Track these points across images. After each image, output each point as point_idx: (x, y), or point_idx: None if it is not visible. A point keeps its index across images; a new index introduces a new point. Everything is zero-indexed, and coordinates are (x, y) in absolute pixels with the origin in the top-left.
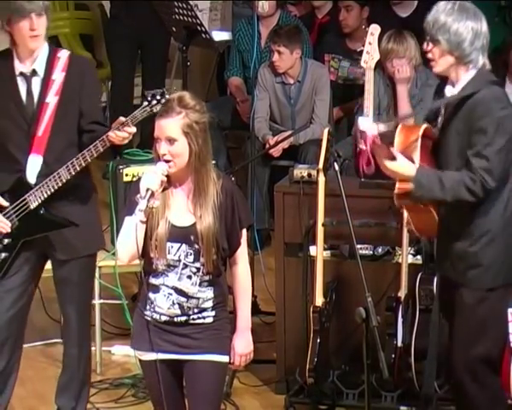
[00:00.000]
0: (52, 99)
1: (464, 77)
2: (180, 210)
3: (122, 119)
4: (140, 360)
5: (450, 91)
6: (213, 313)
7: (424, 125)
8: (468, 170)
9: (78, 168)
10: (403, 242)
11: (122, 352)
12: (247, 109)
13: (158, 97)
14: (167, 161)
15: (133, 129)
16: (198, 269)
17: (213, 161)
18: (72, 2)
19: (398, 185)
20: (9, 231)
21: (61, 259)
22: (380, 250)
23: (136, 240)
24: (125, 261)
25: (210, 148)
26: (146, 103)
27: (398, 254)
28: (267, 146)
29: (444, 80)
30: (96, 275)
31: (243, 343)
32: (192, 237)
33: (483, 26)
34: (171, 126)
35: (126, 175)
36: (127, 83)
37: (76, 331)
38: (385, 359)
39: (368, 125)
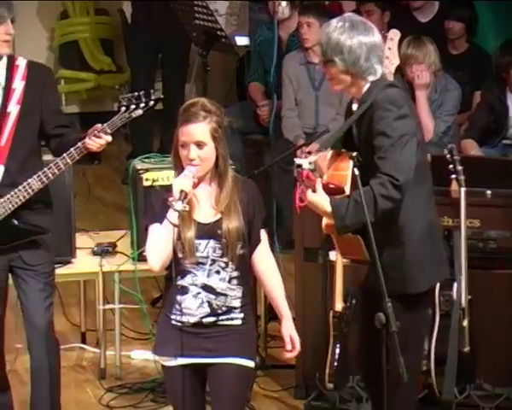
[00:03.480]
0: (14, 108)
1: (364, 88)
2: (205, 209)
3: (98, 126)
4: (163, 366)
5: (355, 107)
6: (241, 315)
7: (354, 154)
8: (376, 177)
9: (52, 177)
10: None
11: (141, 356)
12: (267, 114)
13: (134, 101)
14: (195, 165)
15: (109, 137)
16: (226, 264)
17: (233, 166)
18: (92, 7)
19: (324, 221)
20: None
21: (30, 266)
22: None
23: (171, 241)
24: (157, 269)
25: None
26: (124, 109)
27: None
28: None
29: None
30: (116, 279)
31: (293, 328)
32: (219, 232)
33: (375, 38)
34: (201, 131)
35: (146, 180)
36: (147, 87)
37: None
38: (404, 364)
39: (302, 160)
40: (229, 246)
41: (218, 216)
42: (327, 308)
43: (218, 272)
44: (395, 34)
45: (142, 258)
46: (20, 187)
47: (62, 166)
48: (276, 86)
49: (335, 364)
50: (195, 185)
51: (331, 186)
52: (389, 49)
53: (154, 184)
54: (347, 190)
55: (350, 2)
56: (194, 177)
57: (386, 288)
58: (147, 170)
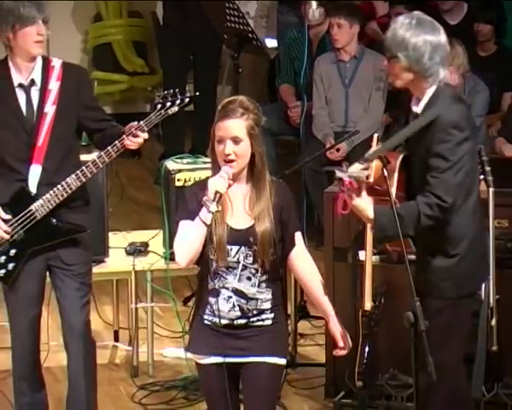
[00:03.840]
0: (50, 109)
1: (426, 93)
2: (238, 213)
3: (134, 123)
4: (197, 364)
5: (414, 108)
6: (272, 315)
7: (401, 156)
8: (424, 193)
9: (90, 175)
10: None
11: (173, 354)
12: (297, 115)
13: (170, 99)
14: (231, 161)
15: (146, 135)
16: (257, 270)
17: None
18: (125, 10)
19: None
20: (12, 242)
21: (68, 265)
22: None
23: (201, 240)
24: (184, 265)
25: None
26: (160, 106)
27: None
28: (327, 148)
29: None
30: (148, 278)
31: (340, 326)
32: (251, 239)
33: (441, 39)
34: (238, 127)
35: (178, 180)
36: (180, 89)
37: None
38: (433, 362)
39: (342, 174)
40: (261, 253)
41: (251, 223)
42: (356, 307)
43: (248, 278)
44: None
45: (173, 257)
46: (59, 186)
47: (100, 164)
48: (306, 88)
49: (365, 362)
50: (230, 186)
51: (377, 188)
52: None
53: (186, 184)
54: (394, 192)
55: (382, 4)
56: (230, 178)
57: (435, 288)
58: (179, 170)
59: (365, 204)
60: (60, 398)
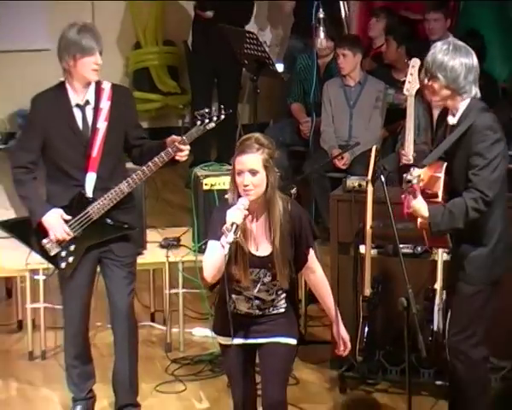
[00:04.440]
0: (102, 124)
1: (461, 106)
2: (258, 240)
3: (178, 138)
4: (220, 344)
5: (451, 120)
6: (285, 305)
7: (445, 165)
8: (468, 189)
9: (139, 182)
10: None
11: (201, 333)
12: (308, 129)
13: (208, 116)
14: (248, 192)
15: (188, 147)
16: (274, 285)
17: (278, 173)
18: (160, 39)
19: (419, 220)
20: (71, 239)
21: (117, 258)
22: (419, 249)
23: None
24: (209, 281)
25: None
26: (199, 122)
27: (434, 252)
28: (334, 157)
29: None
30: (180, 268)
31: (344, 330)
32: (270, 265)
33: (474, 61)
34: (254, 161)
35: (205, 184)
36: (206, 107)
37: (128, 320)
38: (423, 341)
39: (411, 177)
40: (279, 273)
41: (270, 250)
42: (357, 293)
43: (267, 290)
44: (416, 62)
45: (201, 250)
46: (112, 191)
47: (148, 172)
48: (314, 106)
49: (364, 340)
50: (246, 217)
51: (428, 192)
52: (411, 74)
53: (212, 188)
54: (440, 194)
55: (379, 39)
56: (246, 208)
57: (470, 276)
58: (206, 176)
59: (421, 204)
60: (104, 370)
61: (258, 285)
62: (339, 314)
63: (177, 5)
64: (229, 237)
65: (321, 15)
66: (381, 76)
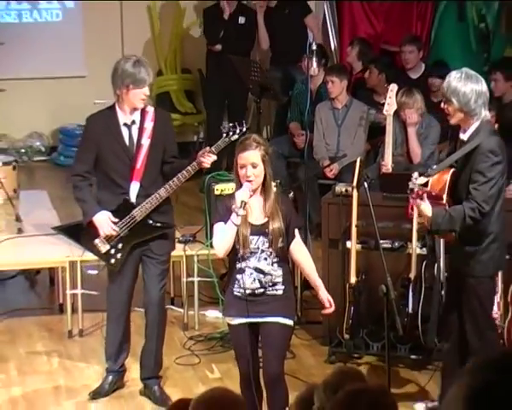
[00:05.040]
0: (145, 141)
1: (472, 126)
2: (256, 214)
3: (207, 148)
4: (229, 324)
5: (462, 136)
6: (283, 287)
7: (452, 170)
8: (467, 200)
9: (175, 187)
10: (413, 238)
11: (213, 315)
12: (302, 143)
13: (232, 130)
14: (251, 181)
15: (215, 156)
16: (271, 253)
17: (277, 180)
18: (179, 67)
19: (417, 219)
20: (119, 238)
21: (154, 255)
22: (396, 244)
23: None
24: (221, 255)
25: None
26: (225, 135)
27: (409, 247)
28: (324, 167)
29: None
30: (195, 260)
31: (326, 293)
32: (266, 230)
33: (483, 87)
34: (254, 156)
35: (216, 190)
36: (218, 124)
37: (158, 307)
38: (400, 321)
39: (414, 185)
40: (273, 240)
41: (266, 219)
42: (344, 282)
43: (265, 259)
44: (394, 87)
45: (213, 245)
46: (152, 196)
47: (182, 178)
48: (308, 124)
49: (350, 321)
50: (251, 196)
51: (433, 194)
52: (390, 97)
53: (222, 193)
54: (445, 197)
55: (358, 64)
56: (250, 190)
57: (473, 268)
58: (217, 183)
59: (426, 206)
60: (135, 346)
61: (258, 254)
62: (321, 282)
63: (193, 39)
64: (240, 211)
65: (314, 47)
66: (363, 99)
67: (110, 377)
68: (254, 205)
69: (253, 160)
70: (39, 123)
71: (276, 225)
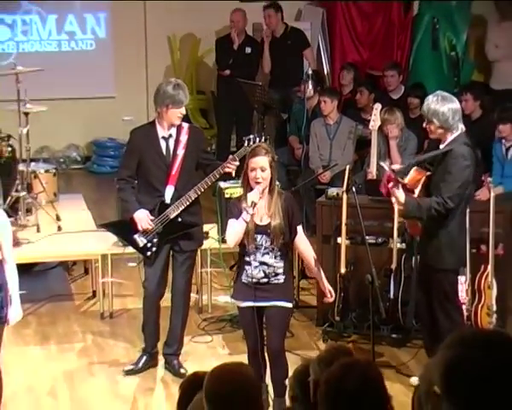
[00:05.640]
0: (180, 152)
1: (449, 138)
2: (261, 215)
3: (231, 156)
4: (238, 307)
5: (441, 147)
6: (284, 276)
7: (427, 173)
8: (437, 195)
9: (203, 190)
10: (394, 235)
11: (224, 300)
12: (300, 154)
13: (251, 141)
14: (259, 183)
15: (237, 163)
16: (273, 249)
17: (278, 184)
18: (194, 89)
19: (397, 208)
20: (151, 229)
21: (183, 250)
22: (380, 240)
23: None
24: (232, 245)
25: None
26: (246, 144)
27: (391, 242)
28: (318, 174)
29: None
30: (208, 253)
31: (327, 283)
32: (268, 230)
33: (457, 105)
34: (264, 161)
35: (227, 194)
36: (227, 138)
37: (183, 296)
38: (383, 305)
39: (385, 166)
40: (275, 238)
41: (268, 220)
42: (335, 272)
43: (268, 253)
44: (378, 106)
45: (224, 241)
46: (183, 197)
47: (209, 182)
48: (305, 138)
49: (341, 306)
50: (260, 198)
51: (408, 187)
52: (374, 115)
53: (232, 196)
54: (416, 192)
55: (348, 86)
56: (260, 192)
57: (439, 263)
58: (227, 187)
59: (401, 194)
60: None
61: (262, 250)
62: (322, 273)
63: (206, 65)
64: (250, 211)
65: (309, 72)
66: (352, 116)
67: (144, 358)
68: (261, 206)
69: (262, 164)
70: (76, 136)
71: (278, 224)
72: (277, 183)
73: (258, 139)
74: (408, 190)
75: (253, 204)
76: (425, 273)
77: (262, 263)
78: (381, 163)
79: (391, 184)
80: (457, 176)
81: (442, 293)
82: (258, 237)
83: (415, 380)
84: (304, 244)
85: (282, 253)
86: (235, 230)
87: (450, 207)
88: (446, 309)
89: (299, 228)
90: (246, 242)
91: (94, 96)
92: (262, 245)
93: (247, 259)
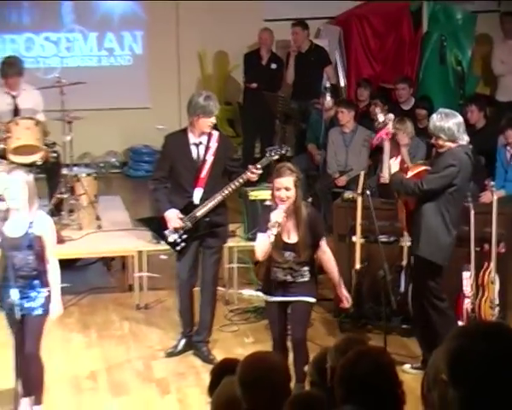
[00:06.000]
0: (209, 158)
1: (454, 147)
2: (288, 232)
3: (255, 165)
4: (266, 301)
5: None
6: (309, 275)
7: (426, 167)
8: (421, 179)
9: (228, 194)
10: (404, 234)
11: (248, 293)
12: (318, 160)
13: (273, 151)
14: (284, 201)
15: (260, 171)
16: (299, 262)
17: (309, 200)
18: (222, 100)
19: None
20: (182, 227)
21: (210, 246)
22: (391, 239)
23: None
24: (261, 259)
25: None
26: (268, 154)
27: (401, 241)
28: (334, 178)
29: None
30: (235, 250)
31: (345, 290)
32: (296, 249)
33: (460, 119)
34: (288, 181)
35: (251, 196)
36: (252, 146)
37: (211, 287)
38: (394, 298)
39: (380, 116)
40: (301, 254)
41: (296, 239)
42: (350, 268)
43: (294, 262)
44: (391, 117)
45: (249, 239)
46: (211, 199)
47: (234, 187)
48: (323, 145)
49: (356, 298)
50: (284, 217)
51: (404, 168)
52: (395, 132)
53: (256, 198)
54: (409, 174)
55: (365, 101)
56: (284, 211)
57: (417, 246)
58: (252, 190)
59: (395, 166)
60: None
61: (291, 262)
62: (342, 281)
63: (233, 79)
64: (273, 231)
65: (327, 85)
66: (367, 125)
67: (183, 341)
68: (288, 223)
69: (286, 184)
70: (114, 144)
71: (304, 242)
72: (308, 200)
73: (279, 150)
74: (401, 170)
75: (277, 224)
76: (415, 268)
77: (289, 268)
78: (380, 116)
79: (380, 134)
80: (440, 168)
81: (423, 281)
82: (286, 253)
83: (407, 367)
84: (326, 257)
85: (307, 262)
86: (263, 246)
87: (424, 190)
88: (428, 297)
89: (322, 242)
90: (274, 254)
91: (131, 106)
92: (290, 259)
93: (276, 264)
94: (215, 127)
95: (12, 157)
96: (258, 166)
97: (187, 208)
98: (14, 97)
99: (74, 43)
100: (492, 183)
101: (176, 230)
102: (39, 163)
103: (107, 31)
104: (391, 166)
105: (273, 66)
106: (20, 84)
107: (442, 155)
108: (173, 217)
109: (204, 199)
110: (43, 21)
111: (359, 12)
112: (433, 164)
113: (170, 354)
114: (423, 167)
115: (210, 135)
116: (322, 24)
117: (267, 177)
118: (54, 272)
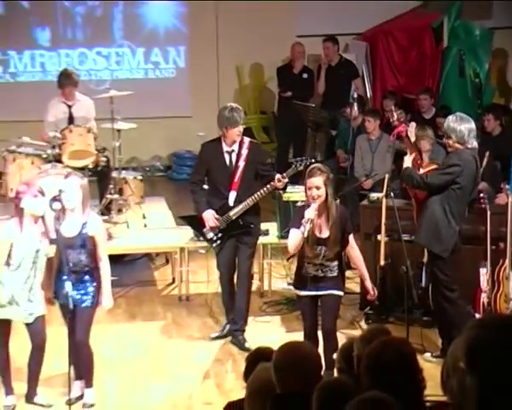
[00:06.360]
0: (241, 163)
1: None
2: (320, 228)
3: (282, 174)
4: (298, 295)
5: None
6: (338, 270)
7: (435, 166)
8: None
9: (258, 198)
10: None
11: (281, 286)
12: (346, 165)
13: (299, 162)
14: (315, 200)
15: (287, 180)
16: (330, 256)
17: (338, 200)
18: (258, 109)
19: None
20: (217, 226)
21: (244, 242)
22: (413, 237)
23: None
24: (292, 253)
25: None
26: (294, 165)
27: None
28: (361, 182)
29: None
30: (269, 247)
31: (372, 284)
32: (327, 243)
33: (473, 125)
34: (319, 181)
35: (284, 197)
36: (285, 151)
37: (246, 278)
38: (415, 292)
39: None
40: (332, 248)
41: (327, 234)
42: (376, 264)
43: (325, 258)
44: (413, 125)
45: (282, 237)
46: (243, 203)
47: (263, 193)
48: (351, 151)
49: (380, 292)
50: (316, 214)
51: (418, 162)
52: (409, 132)
53: (288, 199)
54: (421, 170)
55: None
56: (316, 209)
57: (418, 234)
58: (285, 192)
59: (408, 161)
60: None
61: (320, 257)
62: (367, 275)
63: (268, 89)
64: (307, 227)
65: (355, 95)
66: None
67: (228, 326)
68: (320, 219)
69: (317, 184)
70: (159, 149)
71: (335, 237)
72: (337, 200)
73: (305, 161)
74: (416, 164)
75: (310, 220)
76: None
77: (320, 264)
78: (396, 113)
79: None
80: (445, 166)
81: (438, 281)
82: (318, 247)
83: (428, 356)
84: (354, 253)
85: (337, 257)
86: (295, 241)
87: (426, 182)
88: (438, 287)
89: (351, 237)
90: (306, 249)
91: (174, 115)
92: (320, 253)
93: (307, 260)
94: (247, 134)
95: (66, 161)
96: (285, 174)
97: (222, 209)
98: (69, 107)
99: (123, 58)
100: (508, 186)
101: (212, 228)
102: (91, 167)
103: (154, 46)
104: (405, 161)
105: (305, 75)
106: (75, 95)
107: (449, 154)
108: (210, 217)
109: (238, 201)
110: (94, 37)
111: (384, 28)
112: (443, 163)
113: (216, 338)
114: (434, 166)
115: (241, 142)
116: (350, 39)
117: (299, 180)
118: (105, 269)
